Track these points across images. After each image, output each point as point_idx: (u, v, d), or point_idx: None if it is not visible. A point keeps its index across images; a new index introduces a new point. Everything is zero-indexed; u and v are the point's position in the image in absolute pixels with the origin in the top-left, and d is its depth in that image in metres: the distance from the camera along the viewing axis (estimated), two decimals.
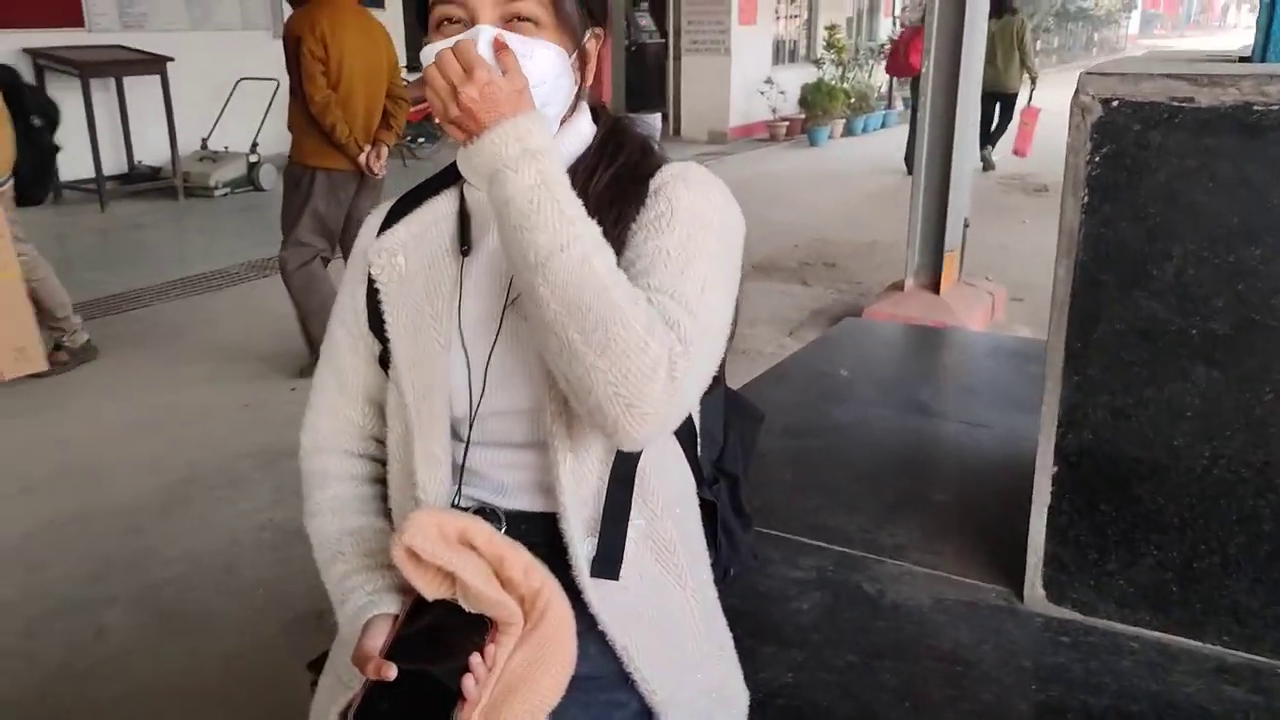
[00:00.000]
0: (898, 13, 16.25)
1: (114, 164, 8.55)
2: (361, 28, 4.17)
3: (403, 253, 1.14)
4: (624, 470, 1.11)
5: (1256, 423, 1.39)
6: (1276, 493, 1.40)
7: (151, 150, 8.82)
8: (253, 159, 9.02)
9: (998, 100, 9.75)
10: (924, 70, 4.83)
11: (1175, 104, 1.32)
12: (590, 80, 1.13)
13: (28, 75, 8.10)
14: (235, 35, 9.66)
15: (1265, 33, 1.39)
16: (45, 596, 2.81)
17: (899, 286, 5.07)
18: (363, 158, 4.16)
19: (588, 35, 1.10)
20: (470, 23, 1.03)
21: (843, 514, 1.77)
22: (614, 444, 1.03)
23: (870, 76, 14.03)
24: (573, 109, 1.13)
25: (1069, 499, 1.50)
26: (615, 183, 1.09)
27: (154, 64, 8.48)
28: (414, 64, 9.44)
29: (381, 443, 1.25)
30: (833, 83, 12.82)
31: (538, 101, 1.01)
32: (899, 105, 14.80)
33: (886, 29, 16.08)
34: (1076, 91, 1.38)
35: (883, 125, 13.95)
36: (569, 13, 1.06)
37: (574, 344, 0.93)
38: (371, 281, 1.16)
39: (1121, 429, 1.46)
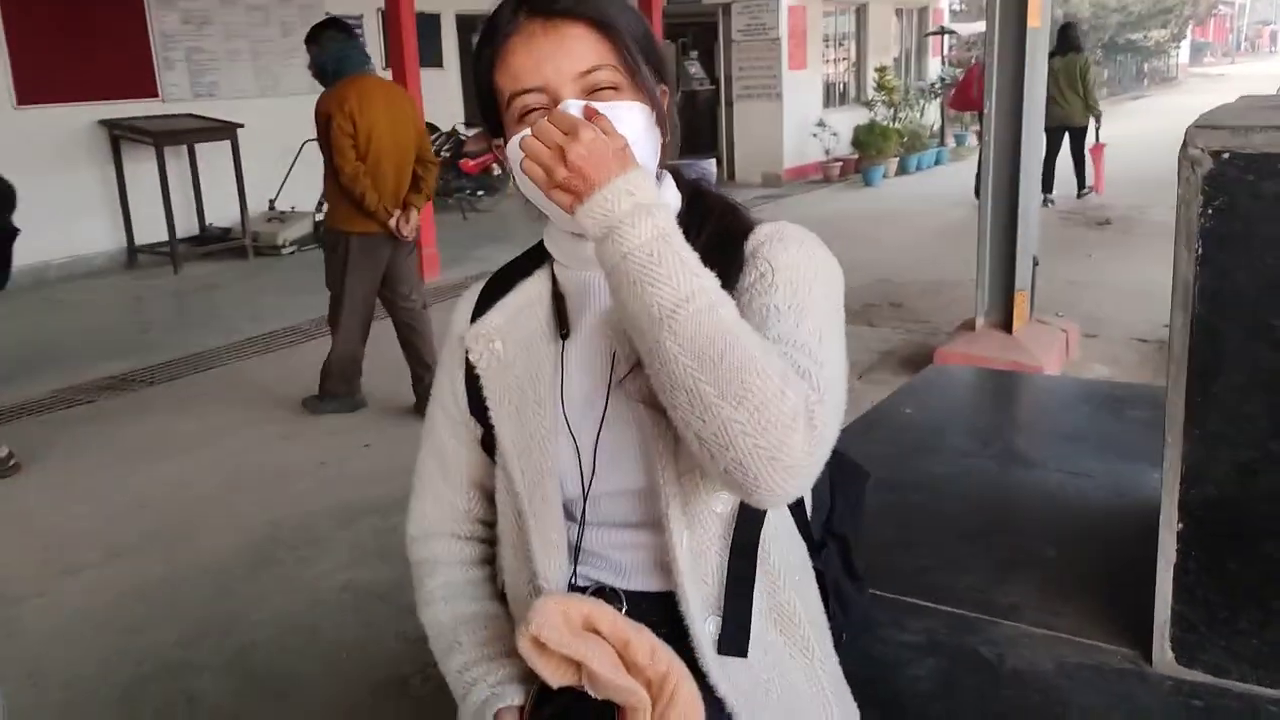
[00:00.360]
0: (946, 52, 16.26)
1: (186, 227, 8.83)
2: (389, 101, 4.44)
3: (499, 338, 1.14)
4: (745, 541, 1.09)
5: None
6: None
7: (222, 212, 9.10)
8: (318, 217, 9.25)
9: (1065, 134, 9.85)
10: (986, 109, 4.81)
11: None
12: (669, 137, 1.13)
13: (103, 145, 8.46)
14: (302, 99, 9.91)
15: None
16: (140, 661, 2.86)
17: (970, 326, 5.00)
18: (392, 222, 4.40)
19: (659, 91, 1.10)
20: (554, 103, 1.02)
21: (951, 572, 1.73)
22: (754, 502, 0.96)
23: (922, 115, 14.01)
24: (659, 170, 1.13)
25: (1195, 557, 1.45)
26: (711, 247, 1.05)
27: (224, 130, 8.77)
28: (471, 120, 9.60)
29: (489, 525, 1.25)
30: (885, 123, 12.81)
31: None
32: (951, 142, 14.77)
33: (935, 68, 16.07)
34: (1185, 144, 1.35)
35: (936, 162, 13.90)
36: (644, 74, 1.06)
37: (707, 397, 0.89)
38: (470, 367, 1.16)
39: (1247, 483, 1.41)
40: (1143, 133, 14.15)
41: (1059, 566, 1.74)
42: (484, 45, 1.07)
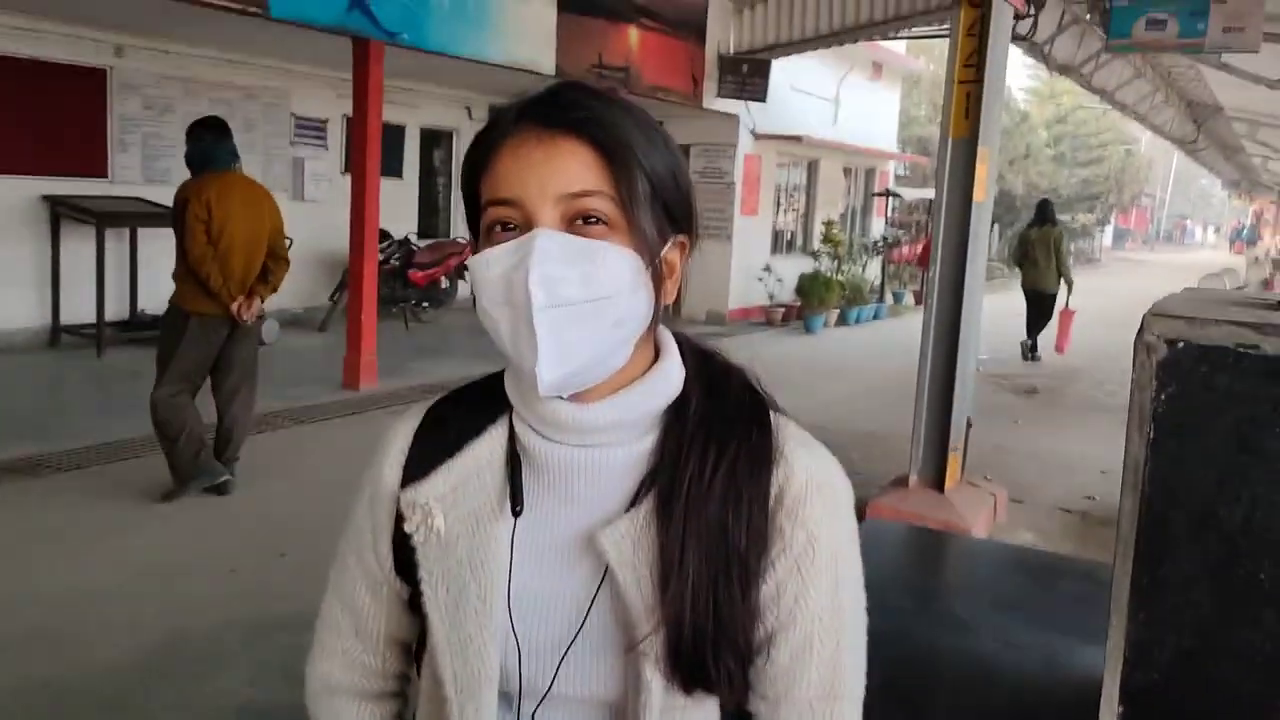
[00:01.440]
0: (890, 214, 17.03)
1: (116, 311, 8.64)
2: (247, 196, 4.88)
3: (441, 511, 0.97)
4: None
5: None
6: None
7: (156, 300, 8.90)
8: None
9: (1040, 298, 10.84)
10: (930, 275, 4.99)
11: (1242, 349, 1.34)
12: (672, 297, 0.96)
13: (43, 221, 8.31)
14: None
15: None
16: None
17: (903, 482, 5.06)
18: (234, 306, 4.71)
19: (669, 244, 0.94)
20: (526, 226, 0.88)
21: None
22: None
23: (864, 270, 14.52)
24: (649, 332, 0.95)
25: None
26: (732, 473, 0.92)
27: (170, 217, 8.66)
28: (425, 232, 9.71)
29: (404, 678, 1.13)
30: (829, 274, 13.24)
31: (610, 319, 0.88)
32: (890, 299, 15.33)
33: (879, 227, 16.77)
34: (1141, 329, 1.40)
35: (875, 317, 14.36)
36: (644, 214, 0.90)
37: None
38: (405, 535, 0.99)
39: (1190, 671, 1.41)
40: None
41: None
42: (475, 146, 0.94)
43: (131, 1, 7.12)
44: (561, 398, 0.91)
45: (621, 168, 0.89)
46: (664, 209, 0.93)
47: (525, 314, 0.86)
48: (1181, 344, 1.38)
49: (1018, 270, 11.32)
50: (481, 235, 0.92)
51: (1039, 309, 10.91)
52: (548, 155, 0.88)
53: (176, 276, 4.82)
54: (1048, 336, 10.91)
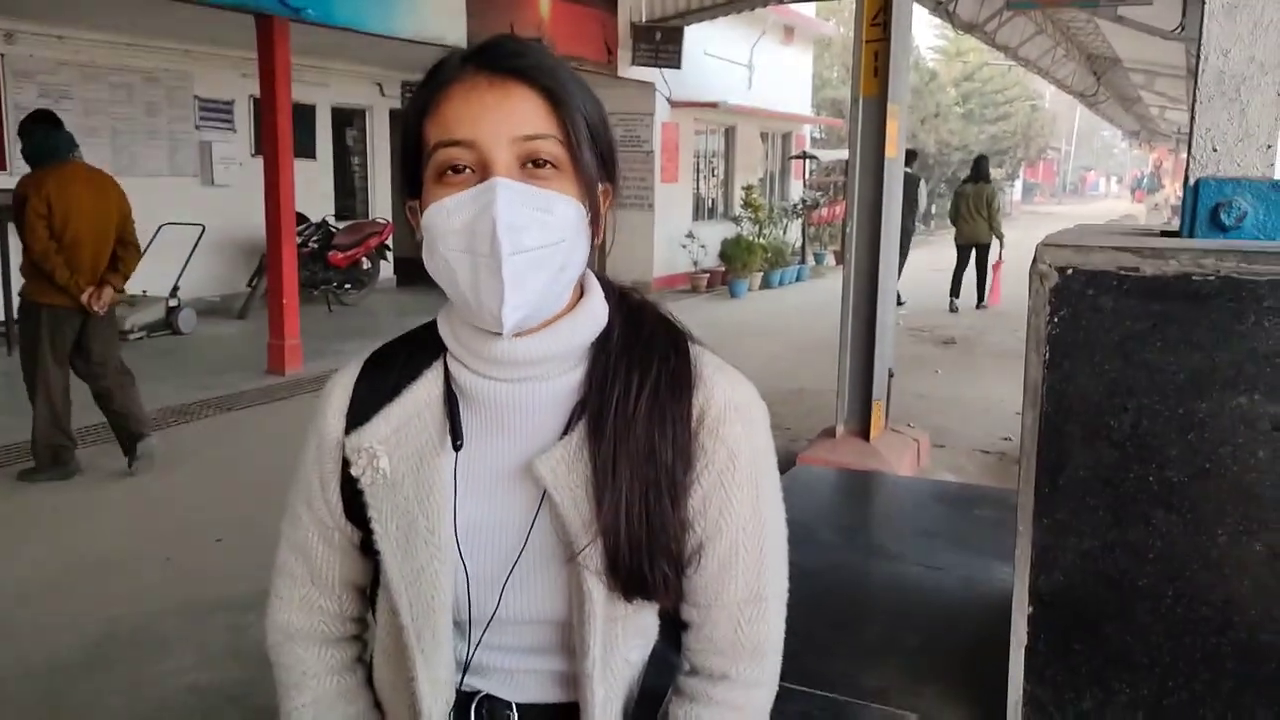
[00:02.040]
0: (807, 176, 17.26)
1: None
2: (91, 186, 4.84)
3: (385, 453, 1.01)
4: (653, 687, 1.08)
5: (1214, 564, 1.49)
6: (1237, 630, 1.49)
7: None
8: (172, 303, 8.93)
9: (972, 250, 11.47)
10: (847, 231, 5.12)
11: (1124, 273, 1.46)
12: (601, 238, 1.03)
13: None
14: (161, 180, 9.70)
15: (1191, 214, 1.56)
16: None
17: (830, 433, 5.21)
18: (84, 297, 4.71)
19: (600, 189, 1.00)
20: (479, 168, 0.91)
21: (823, 659, 1.79)
22: None
23: (785, 234, 14.72)
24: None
25: (1044, 639, 1.56)
26: (655, 394, 0.99)
27: None
28: (343, 213, 9.56)
29: (362, 621, 1.17)
30: (750, 238, 13.40)
31: (558, 264, 0.94)
32: (811, 260, 15.58)
33: (798, 190, 17.00)
34: (1035, 260, 1.51)
35: (798, 279, 14.59)
36: (587, 160, 0.95)
37: None
38: (350, 478, 1.04)
39: (1090, 571, 1.54)
40: None
41: (920, 653, 1.83)
42: (419, 90, 0.96)
43: None
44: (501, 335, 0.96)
45: (567, 112, 0.93)
46: (599, 155, 0.98)
47: (491, 262, 0.90)
48: (1070, 270, 1.49)
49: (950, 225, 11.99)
50: (428, 180, 0.94)
51: (974, 261, 11.55)
52: (499, 99, 0.92)
53: (23, 270, 4.84)
54: (968, 288, 11.49)
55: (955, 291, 11.61)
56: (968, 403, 7.00)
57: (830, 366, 5.38)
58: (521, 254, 0.91)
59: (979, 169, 11.61)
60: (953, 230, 11.79)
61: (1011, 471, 5.56)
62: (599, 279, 1.07)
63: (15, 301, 8.21)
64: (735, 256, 13.05)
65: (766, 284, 13.66)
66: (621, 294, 1.07)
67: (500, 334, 0.94)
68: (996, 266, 11.20)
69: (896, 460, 4.95)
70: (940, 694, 1.69)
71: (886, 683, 1.72)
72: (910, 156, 12.65)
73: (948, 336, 9.96)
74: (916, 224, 12.12)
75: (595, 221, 0.99)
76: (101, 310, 4.81)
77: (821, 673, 1.74)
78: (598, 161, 0.98)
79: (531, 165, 0.93)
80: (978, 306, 11.69)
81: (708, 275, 13.35)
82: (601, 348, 1.01)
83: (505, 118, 0.91)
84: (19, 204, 4.71)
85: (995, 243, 11.35)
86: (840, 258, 13.04)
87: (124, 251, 4.94)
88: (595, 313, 1.02)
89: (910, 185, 11.65)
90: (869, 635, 1.92)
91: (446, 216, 0.92)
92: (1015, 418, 6.40)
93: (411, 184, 0.98)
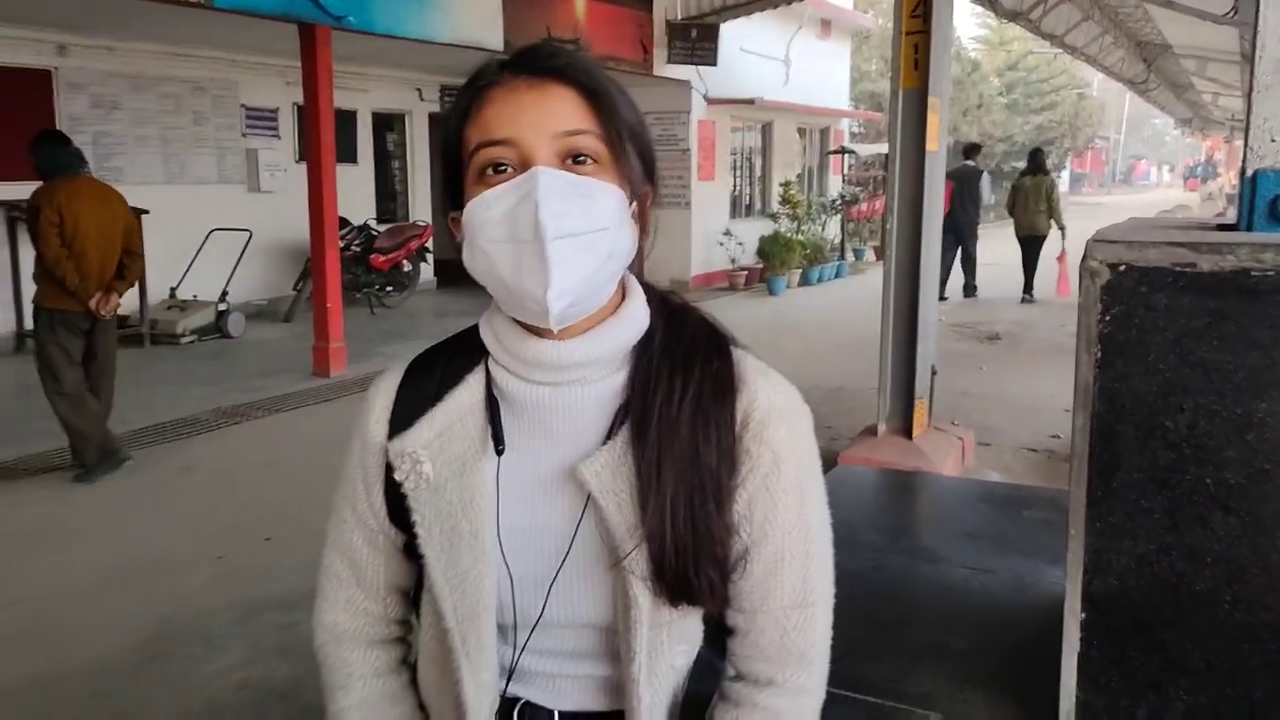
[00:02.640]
0: (846, 171, 17.12)
1: None
2: (98, 199, 5.13)
3: (428, 458, 1.02)
4: (698, 692, 1.06)
5: (1274, 567, 1.44)
6: None
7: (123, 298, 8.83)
8: (222, 307, 9.07)
9: (1034, 242, 11.66)
10: (887, 228, 5.07)
11: (1178, 269, 1.42)
12: (649, 237, 1.03)
13: (0, 227, 8.19)
14: (210, 189, 9.87)
15: (1250, 205, 1.52)
16: None
17: (872, 432, 5.15)
18: (92, 302, 4.98)
19: (643, 189, 1.00)
20: (521, 166, 0.92)
21: (866, 663, 1.77)
22: None
23: (824, 230, 14.61)
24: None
25: (1098, 645, 1.52)
26: (699, 398, 0.98)
27: None
28: (383, 216, 9.68)
29: (406, 623, 1.17)
30: (789, 235, 13.32)
31: (604, 252, 0.93)
32: (851, 256, 15.47)
33: (836, 185, 16.86)
34: (1085, 256, 1.47)
35: (837, 275, 14.48)
36: (629, 156, 0.97)
37: None
38: (393, 483, 1.04)
39: (1145, 574, 1.50)
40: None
41: (967, 657, 1.80)
42: (459, 97, 0.98)
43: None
44: (544, 335, 0.96)
45: (607, 108, 0.95)
46: (639, 155, 0.99)
47: (534, 246, 0.90)
48: (1123, 267, 1.46)
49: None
50: (470, 181, 0.95)
51: (1032, 252, 11.68)
52: (539, 97, 0.93)
53: (36, 277, 5.07)
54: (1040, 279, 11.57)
55: (1029, 287, 11.74)
56: (1013, 400, 6.89)
57: (871, 364, 5.32)
58: (565, 239, 0.90)
59: (1035, 161, 11.77)
60: (1000, 224, 11.82)
61: (1060, 470, 5.46)
62: (640, 281, 1.06)
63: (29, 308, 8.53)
64: (773, 254, 12.97)
65: (805, 281, 13.56)
66: (663, 297, 1.07)
67: (545, 328, 0.94)
68: (1062, 258, 11.23)
69: (940, 459, 4.88)
70: (988, 701, 1.66)
71: (932, 688, 1.69)
72: (973, 150, 12.68)
73: (991, 332, 9.82)
74: (980, 216, 12.05)
75: (641, 218, 1.00)
76: (108, 315, 5.09)
77: (865, 677, 1.71)
78: (640, 164, 0.99)
79: (572, 161, 0.93)
80: (1023, 300, 11.59)
81: (746, 273, 13.28)
82: (643, 351, 1.01)
83: (545, 115, 0.93)
84: (32, 214, 5.00)
85: (1058, 234, 11.43)
86: (880, 253, 12.96)
87: (130, 261, 5.24)
88: (637, 316, 1.02)
89: (972, 178, 11.57)
90: (914, 639, 1.88)
91: (487, 208, 0.93)
92: (1063, 415, 6.30)
93: (454, 195, 0.99)
